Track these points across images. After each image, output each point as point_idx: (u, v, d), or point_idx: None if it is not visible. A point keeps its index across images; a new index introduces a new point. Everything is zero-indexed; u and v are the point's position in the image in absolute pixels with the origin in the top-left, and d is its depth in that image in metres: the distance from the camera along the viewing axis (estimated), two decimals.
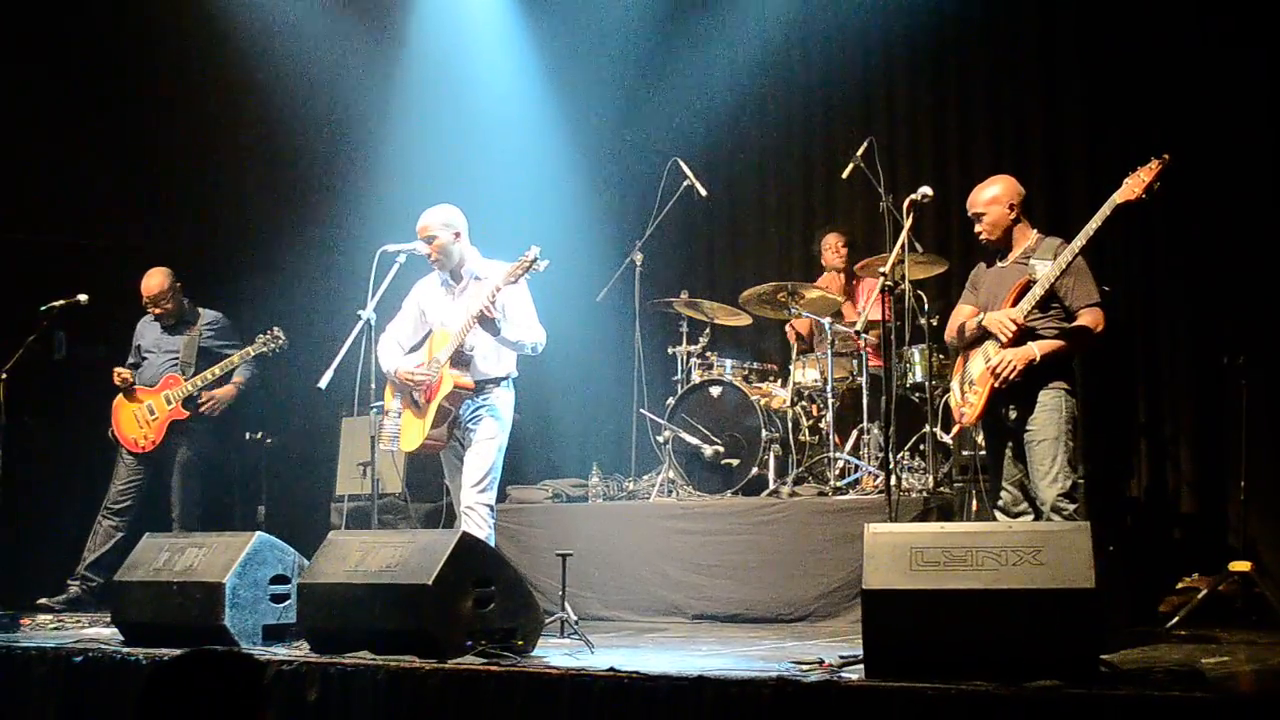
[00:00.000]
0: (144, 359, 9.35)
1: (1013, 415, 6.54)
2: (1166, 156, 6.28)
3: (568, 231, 10.39)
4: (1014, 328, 6.43)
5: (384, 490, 9.31)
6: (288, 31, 11.00)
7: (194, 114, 11.43)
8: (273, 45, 10.98)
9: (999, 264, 6.76)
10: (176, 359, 9.20)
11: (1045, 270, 6.39)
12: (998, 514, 6.65)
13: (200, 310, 9.37)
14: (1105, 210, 6.29)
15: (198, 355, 9.17)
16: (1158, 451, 9.08)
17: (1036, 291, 6.41)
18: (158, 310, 9.30)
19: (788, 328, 9.63)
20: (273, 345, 9.07)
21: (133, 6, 11.22)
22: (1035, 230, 6.73)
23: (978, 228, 6.74)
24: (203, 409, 9.09)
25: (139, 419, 9.15)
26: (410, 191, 9.31)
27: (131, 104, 11.27)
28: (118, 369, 9.19)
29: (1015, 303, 6.49)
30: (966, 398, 6.71)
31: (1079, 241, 6.31)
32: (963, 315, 6.89)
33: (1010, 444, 6.62)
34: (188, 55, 11.33)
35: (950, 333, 6.99)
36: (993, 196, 6.68)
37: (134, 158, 11.27)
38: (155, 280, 9.31)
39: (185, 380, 9.08)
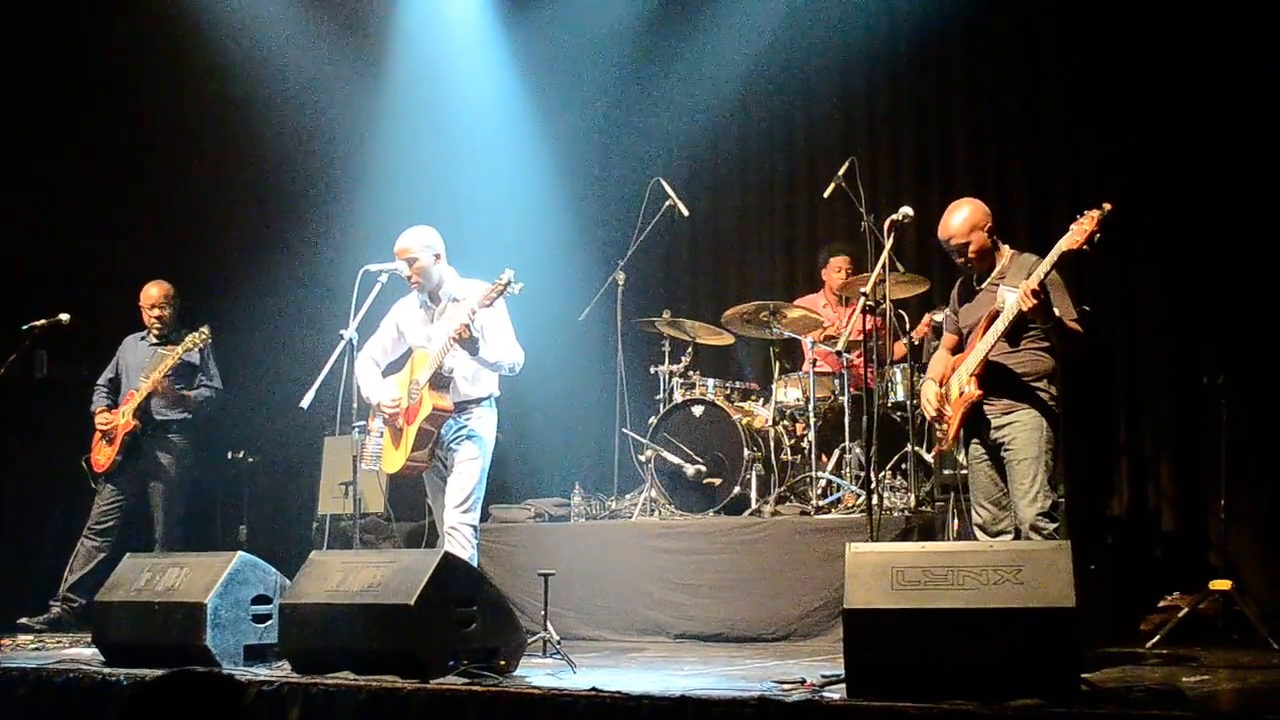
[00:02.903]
0: (126, 376, 9.30)
1: (993, 434, 6.55)
2: (1107, 206, 6.25)
3: (550, 251, 10.43)
4: (976, 393, 6.50)
5: (366, 510, 9.30)
6: (271, 51, 11.01)
7: (177, 134, 11.43)
8: (256, 65, 11.00)
9: (976, 286, 6.74)
10: (144, 373, 9.15)
11: (1013, 300, 6.41)
12: (978, 532, 6.64)
13: (188, 334, 9.30)
14: (1052, 256, 6.29)
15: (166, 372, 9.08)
16: (1138, 470, 9.11)
17: (999, 327, 6.42)
18: (154, 315, 9.24)
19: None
20: (197, 341, 8.97)
21: (115, 25, 11.22)
22: (1007, 247, 6.73)
23: (960, 259, 6.69)
24: (159, 390, 8.99)
25: (106, 439, 9.11)
26: (392, 211, 9.31)
27: (114, 124, 11.25)
28: (101, 413, 9.15)
29: (985, 332, 6.50)
30: (943, 420, 6.74)
31: (1032, 283, 6.25)
32: (946, 346, 6.93)
33: (990, 462, 6.61)
34: (171, 74, 11.31)
35: (933, 364, 7.00)
36: (971, 223, 6.63)
37: (117, 177, 11.26)
38: (158, 288, 9.31)
39: (136, 392, 9.04)
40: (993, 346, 6.46)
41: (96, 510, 9.15)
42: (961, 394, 6.58)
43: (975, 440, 6.65)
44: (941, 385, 6.75)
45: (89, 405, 9.30)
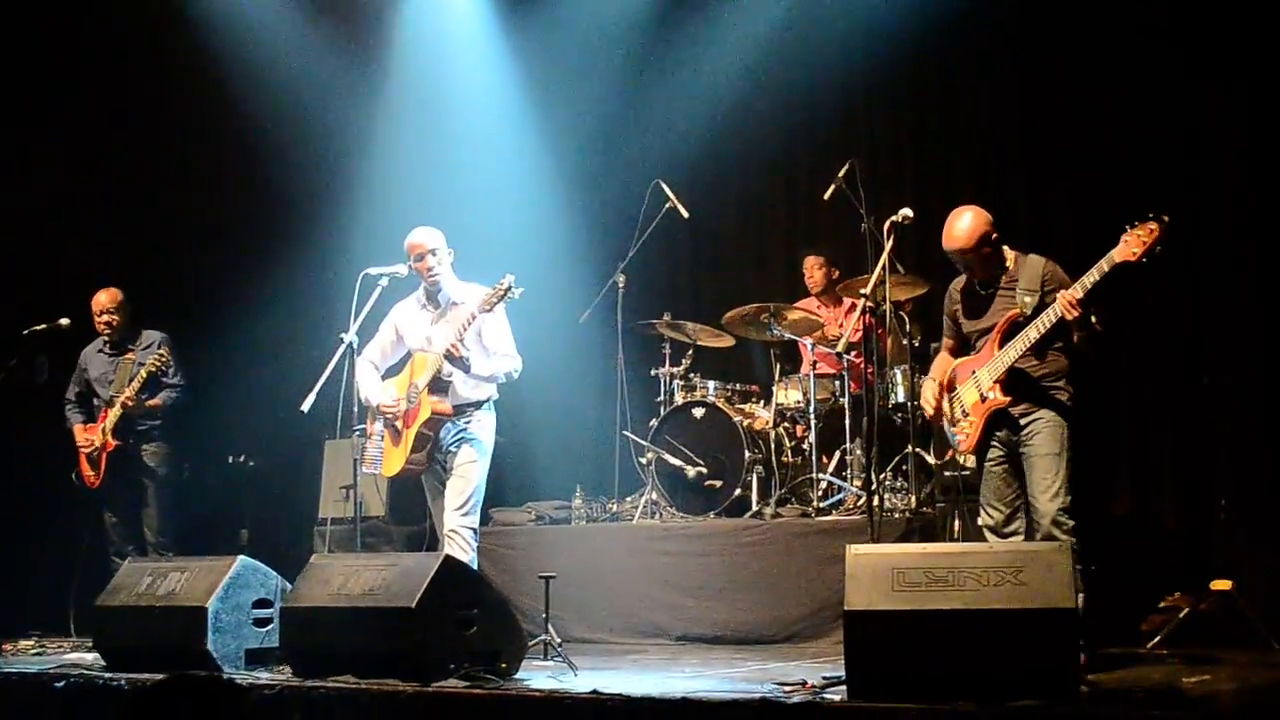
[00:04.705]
0: (94, 390, 9.26)
1: (1014, 434, 6.47)
2: (1166, 219, 6.08)
3: (550, 254, 10.41)
4: (1003, 399, 6.42)
5: (367, 513, 9.29)
6: (271, 56, 11.00)
7: (176, 139, 11.42)
8: (255, 69, 10.98)
9: (981, 290, 6.65)
10: (114, 387, 9.12)
11: (1030, 301, 6.32)
12: (988, 534, 6.58)
13: (143, 333, 9.29)
14: (1103, 267, 6.13)
15: (132, 380, 9.03)
16: (1140, 471, 9.08)
17: (1031, 335, 6.32)
18: (105, 320, 9.14)
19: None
20: (159, 364, 8.88)
21: (114, 29, 11.23)
22: (1008, 248, 6.63)
23: (966, 269, 6.62)
24: (128, 410, 8.96)
25: (89, 456, 9.08)
26: (392, 214, 9.34)
27: (113, 126, 11.25)
28: (82, 432, 9.13)
29: (1002, 340, 6.43)
30: (960, 426, 6.63)
31: (1076, 293, 6.15)
32: (946, 348, 6.89)
33: (1006, 464, 6.55)
34: (169, 81, 11.32)
35: (934, 365, 6.95)
36: (978, 235, 6.50)
37: (114, 185, 11.26)
38: (106, 295, 9.20)
39: (110, 411, 9.01)
40: (1023, 354, 6.37)
41: (113, 534, 9.11)
42: (984, 399, 6.50)
43: (994, 442, 6.59)
44: (944, 389, 6.71)
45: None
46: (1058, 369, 6.48)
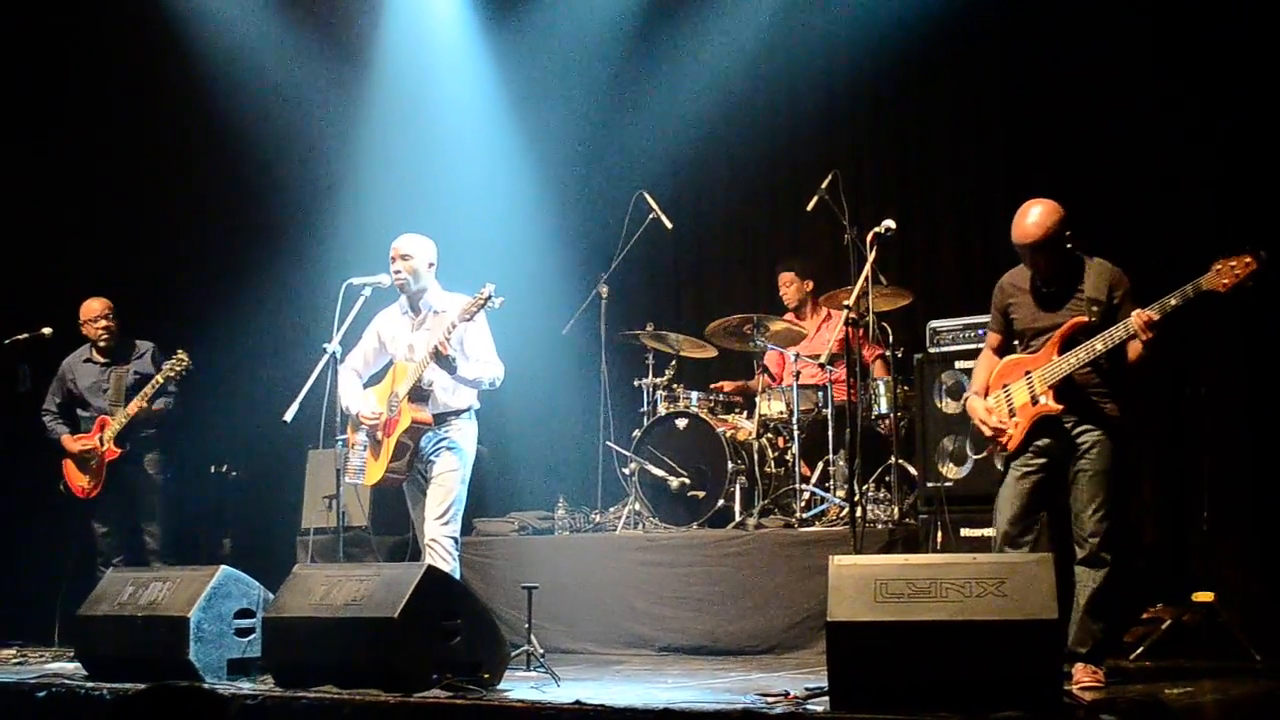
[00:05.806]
0: (82, 400, 9.23)
1: (1066, 444, 6.30)
2: (1264, 254, 5.88)
3: (534, 264, 10.43)
4: (1056, 407, 6.26)
5: (350, 523, 9.28)
6: (253, 64, 11.01)
7: (158, 149, 11.41)
8: (238, 77, 10.99)
9: (1044, 289, 6.40)
10: (109, 397, 9.10)
11: (1098, 309, 6.17)
12: (1005, 547, 6.33)
13: (135, 343, 9.27)
14: (1188, 292, 5.97)
15: (129, 390, 9.04)
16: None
17: (1098, 347, 6.14)
18: (101, 327, 9.13)
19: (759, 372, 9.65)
20: (179, 369, 8.90)
21: (96, 39, 11.22)
22: (1072, 249, 6.35)
23: (1034, 266, 6.35)
24: (142, 414, 8.96)
25: (81, 466, 9.06)
26: (375, 224, 9.33)
27: (92, 140, 11.23)
28: (74, 441, 9.10)
29: (1063, 345, 6.23)
30: (1004, 425, 6.39)
31: (1153, 313, 6.00)
32: (990, 346, 6.69)
33: (1042, 474, 6.35)
34: (150, 87, 11.31)
35: (977, 373, 6.73)
36: (1052, 230, 6.22)
37: (96, 193, 11.24)
38: (100, 302, 9.19)
39: (113, 419, 8.98)
40: (1084, 364, 6.20)
41: (101, 544, 9.10)
42: (1035, 402, 6.30)
43: (1031, 450, 6.37)
44: (989, 393, 6.51)
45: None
46: (1108, 380, 6.30)
